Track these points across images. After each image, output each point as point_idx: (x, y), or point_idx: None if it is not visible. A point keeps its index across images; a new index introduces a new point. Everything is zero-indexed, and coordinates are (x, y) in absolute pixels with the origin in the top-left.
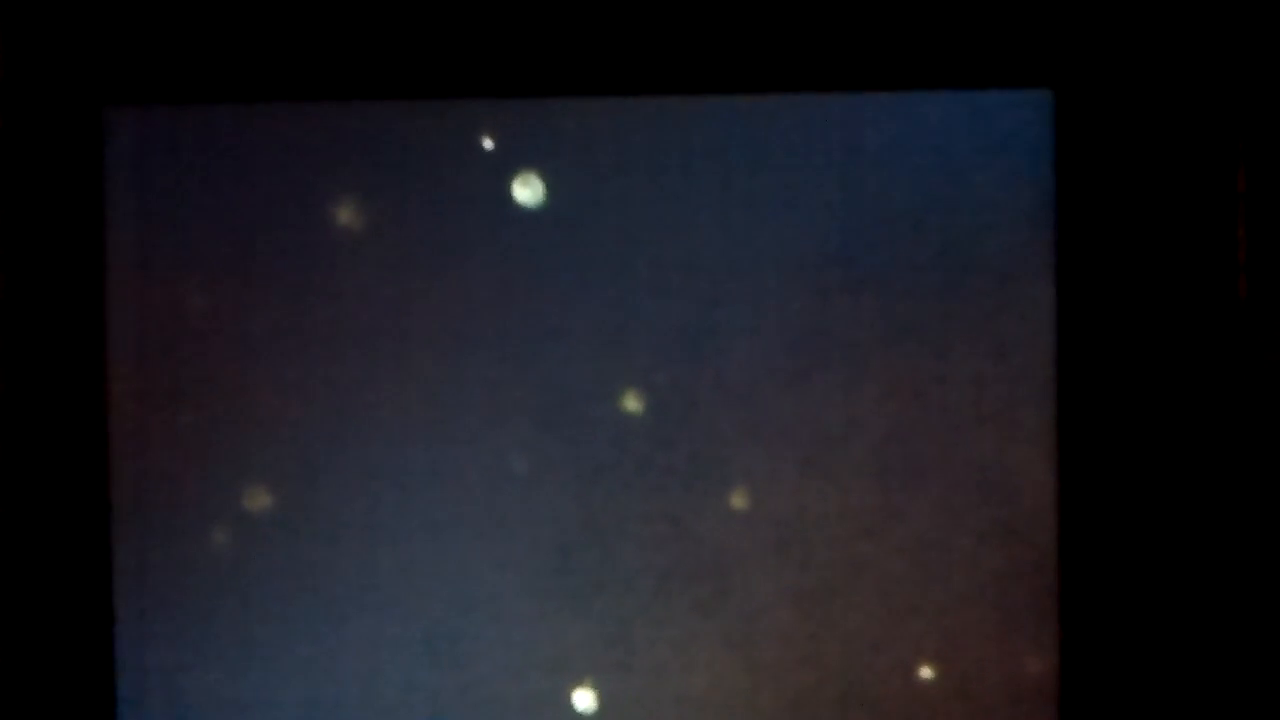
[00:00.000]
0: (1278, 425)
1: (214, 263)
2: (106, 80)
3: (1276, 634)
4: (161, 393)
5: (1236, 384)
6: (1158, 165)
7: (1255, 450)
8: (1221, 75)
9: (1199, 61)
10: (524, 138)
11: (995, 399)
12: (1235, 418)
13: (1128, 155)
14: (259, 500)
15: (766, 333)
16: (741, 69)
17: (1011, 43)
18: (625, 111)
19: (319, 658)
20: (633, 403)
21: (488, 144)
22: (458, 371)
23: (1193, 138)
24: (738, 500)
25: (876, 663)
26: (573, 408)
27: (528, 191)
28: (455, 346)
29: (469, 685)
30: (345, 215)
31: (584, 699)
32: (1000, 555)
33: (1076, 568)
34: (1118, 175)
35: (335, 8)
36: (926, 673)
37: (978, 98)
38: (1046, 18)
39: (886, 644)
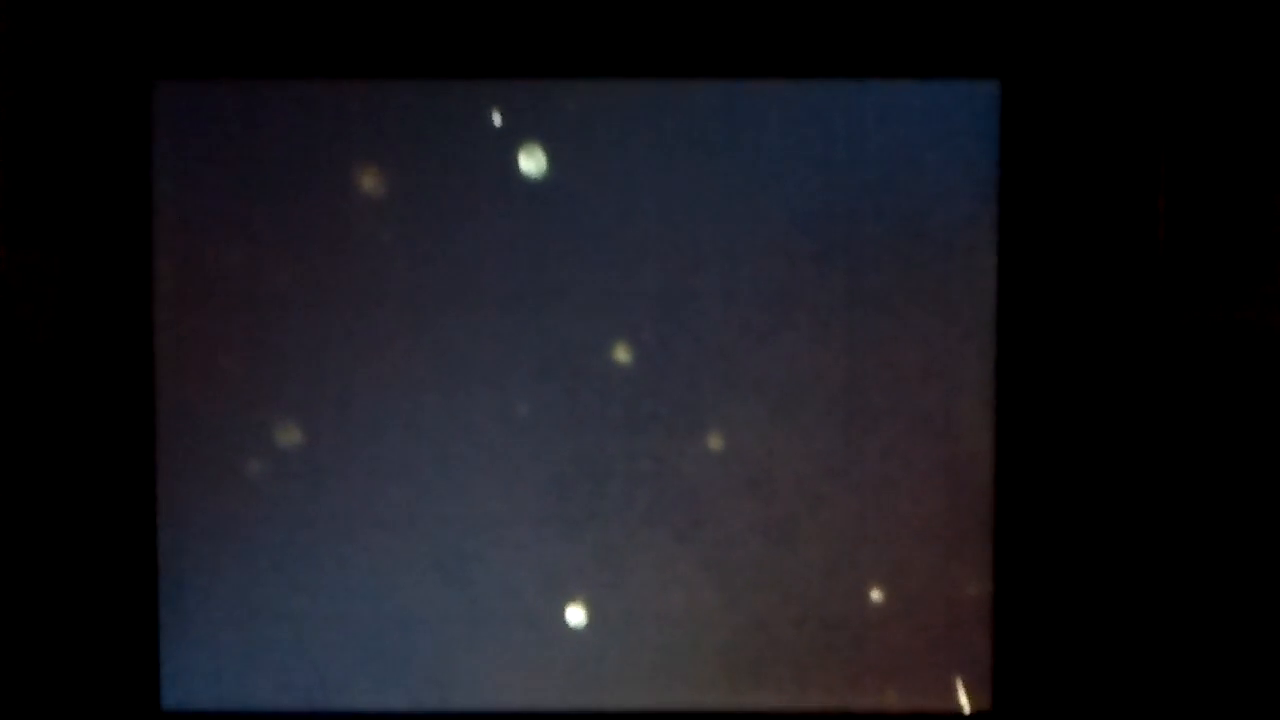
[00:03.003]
0: (1191, 376)
1: (250, 224)
2: (156, 55)
3: (1193, 555)
4: (203, 340)
5: (1156, 342)
6: (1090, 150)
7: (1171, 398)
8: (1148, 72)
9: (1129, 58)
10: (529, 115)
11: (942, 355)
12: (1154, 371)
13: (1064, 140)
14: (290, 436)
15: (741, 295)
16: (724, 57)
17: (963, 37)
18: (621, 93)
19: (340, 574)
20: (623, 355)
21: (496, 120)
22: (466, 325)
23: (1121, 127)
24: (714, 443)
25: (833, 587)
26: (569, 359)
27: (532, 164)
28: (464, 303)
29: (474, 601)
30: (368, 183)
31: (576, 615)
32: (943, 493)
33: (1010, 504)
34: (1054, 158)
35: None
36: (877, 596)
37: (932, 87)
38: (995, 16)
39: (842, 570)
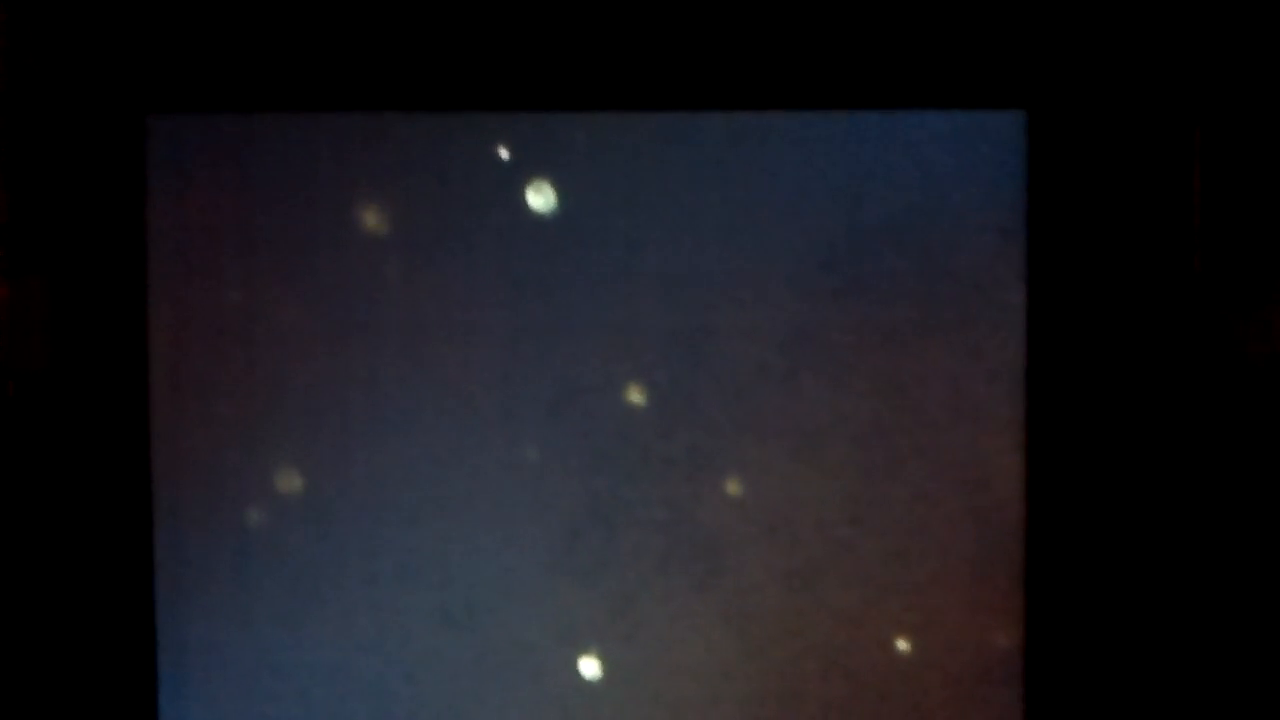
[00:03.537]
0: (1226, 417)
1: (248, 262)
2: (149, 90)
3: (1231, 610)
4: (199, 383)
5: (1190, 383)
6: (1120, 181)
7: (1204, 441)
8: (1178, 101)
9: (1159, 87)
10: (537, 149)
11: (969, 396)
12: (1189, 413)
13: (1093, 172)
14: (290, 482)
15: (759, 334)
16: (739, 88)
17: (989, 68)
18: (632, 125)
19: (345, 627)
20: (636, 396)
21: (504, 154)
22: (474, 365)
23: (1152, 156)
24: (732, 488)
25: (857, 637)
26: (580, 400)
27: (540, 199)
28: (472, 342)
29: (484, 654)
30: (371, 219)
31: (590, 667)
32: (972, 539)
33: (1042, 551)
34: (1084, 190)
35: (368, 27)
36: (903, 646)
37: (957, 118)
38: (1022, 46)
39: (867, 620)
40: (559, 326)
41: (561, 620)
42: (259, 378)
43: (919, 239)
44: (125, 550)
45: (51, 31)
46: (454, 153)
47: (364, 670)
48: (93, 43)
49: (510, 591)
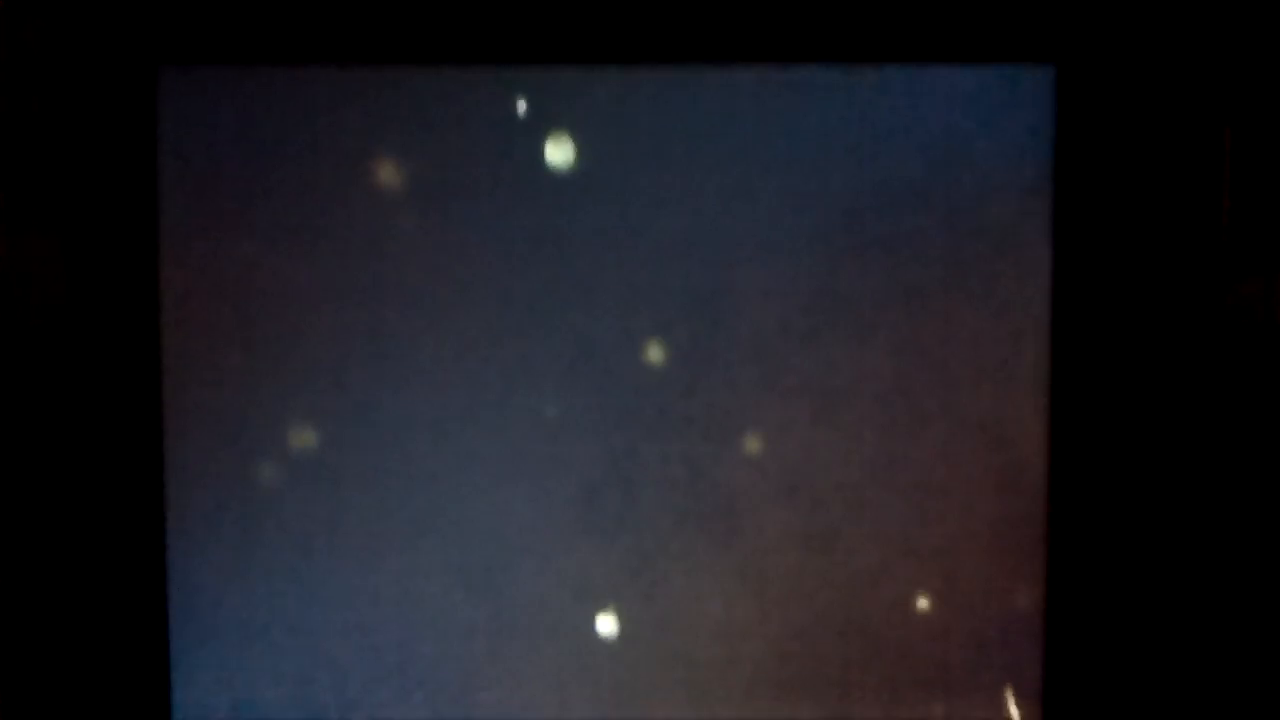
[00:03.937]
0: (1253, 382)
1: (261, 215)
2: (162, 40)
3: (1256, 573)
4: (212, 337)
5: (1217, 346)
6: (1150, 138)
7: (1236, 400)
8: (1210, 55)
9: (1190, 41)
10: (556, 103)
11: (993, 355)
12: (1215, 376)
13: (1122, 128)
14: (304, 439)
15: (780, 292)
16: (761, 42)
17: (1016, 20)
18: (653, 80)
19: (360, 585)
20: (655, 355)
21: (522, 108)
22: (492, 322)
23: (1182, 113)
24: (751, 446)
25: (877, 596)
26: (599, 359)
27: (560, 154)
28: (489, 299)
29: (501, 611)
30: (387, 173)
31: (607, 625)
32: (994, 500)
33: (1064, 512)
34: (1112, 147)
35: None
36: (923, 606)
37: (982, 72)
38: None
39: (886, 580)
40: (578, 283)
41: (579, 578)
42: (272, 332)
43: (944, 196)
44: (136, 506)
45: None
46: (472, 107)
47: (379, 628)
48: None
49: (528, 549)
